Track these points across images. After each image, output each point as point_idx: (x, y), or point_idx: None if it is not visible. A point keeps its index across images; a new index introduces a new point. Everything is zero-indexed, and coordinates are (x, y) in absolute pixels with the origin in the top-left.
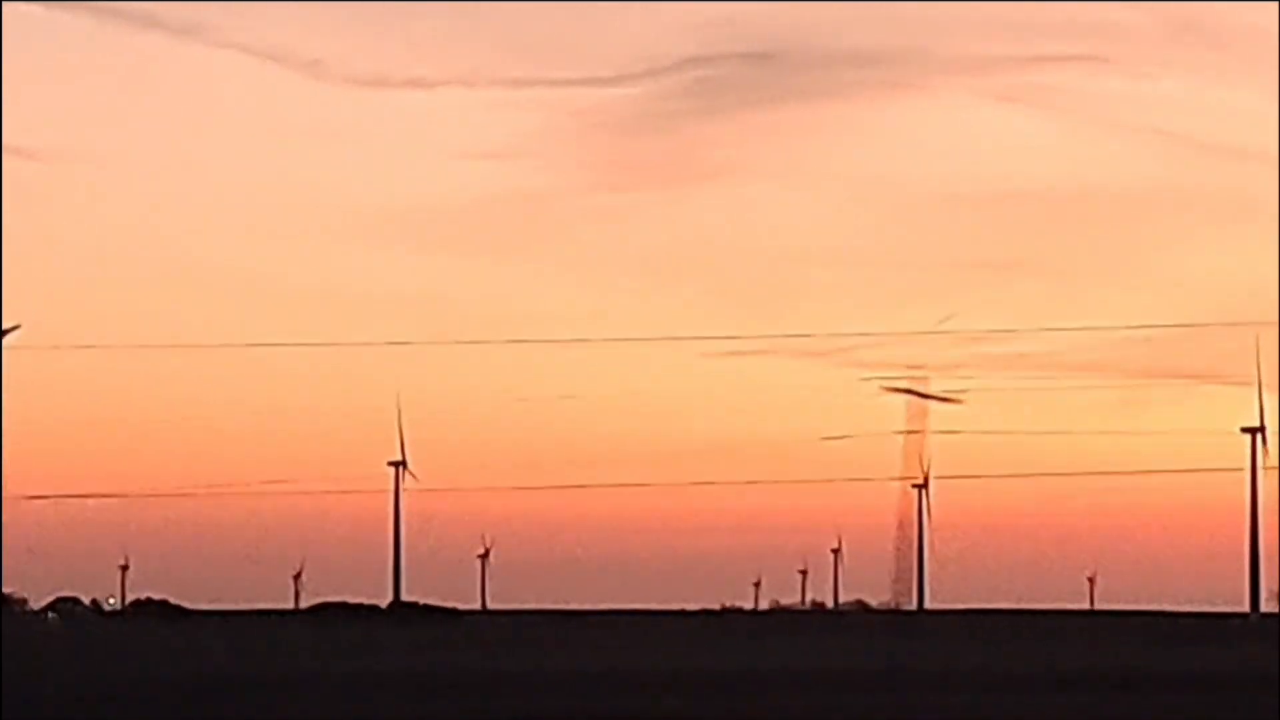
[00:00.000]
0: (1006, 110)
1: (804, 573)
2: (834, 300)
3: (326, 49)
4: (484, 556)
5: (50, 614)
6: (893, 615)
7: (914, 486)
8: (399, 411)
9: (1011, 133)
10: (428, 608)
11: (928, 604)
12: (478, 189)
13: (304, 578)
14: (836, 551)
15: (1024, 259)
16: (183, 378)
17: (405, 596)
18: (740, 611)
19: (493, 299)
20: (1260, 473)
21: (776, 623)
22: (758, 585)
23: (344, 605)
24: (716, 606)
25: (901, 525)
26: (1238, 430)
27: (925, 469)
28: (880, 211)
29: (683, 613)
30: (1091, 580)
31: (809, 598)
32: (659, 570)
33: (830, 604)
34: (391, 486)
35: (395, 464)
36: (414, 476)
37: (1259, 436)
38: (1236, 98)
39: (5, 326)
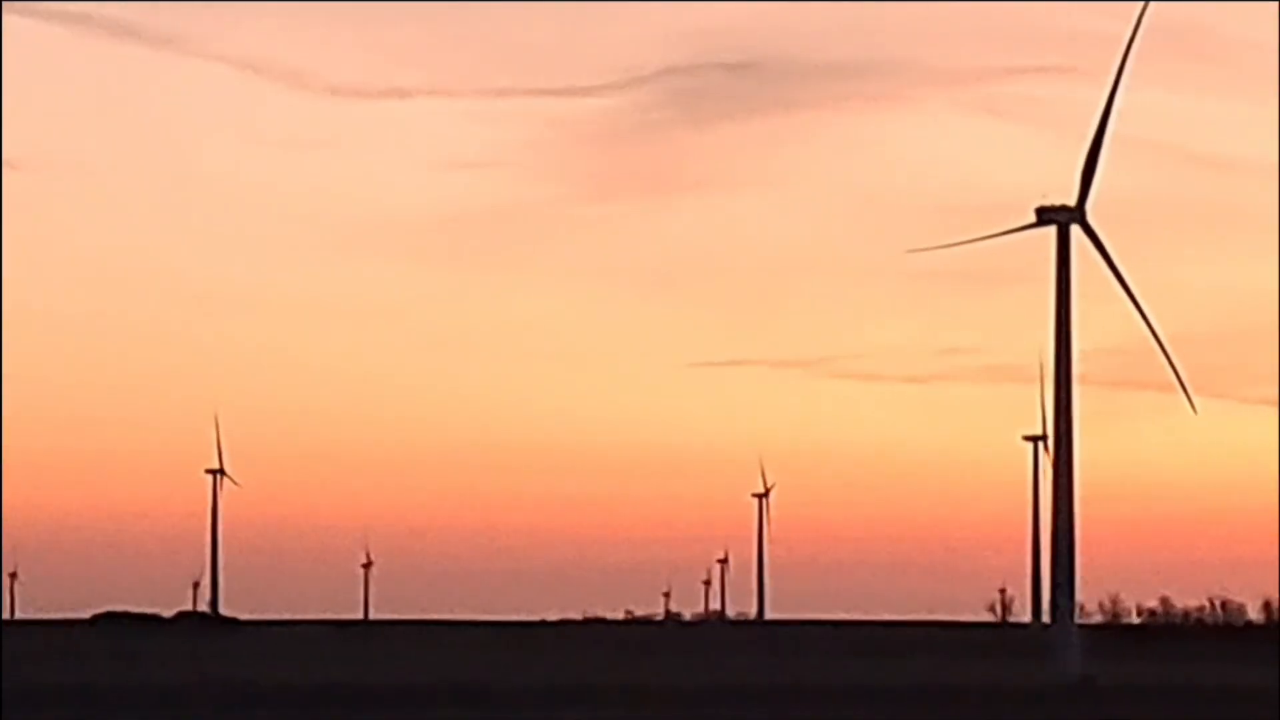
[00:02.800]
0: (989, 121)
1: (707, 583)
2: (816, 310)
3: (307, 59)
4: (367, 566)
5: None
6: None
7: (754, 496)
8: (217, 421)
9: (993, 143)
10: (216, 618)
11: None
12: (458, 199)
13: (202, 586)
14: (723, 562)
15: (1007, 270)
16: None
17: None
18: (603, 621)
19: (472, 309)
20: (1042, 482)
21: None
22: (667, 595)
23: (127, 615)
24: (579, 616)
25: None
26: (1227, 443)
27: (766, 480)
28: (860, 221)
29: (543, 623)
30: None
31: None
32: (587, 579)
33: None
34: (209, 495)
35: (213, 472)
36: (234, 483)
37: (1040, 445)
38: (1223, 108)
39: None
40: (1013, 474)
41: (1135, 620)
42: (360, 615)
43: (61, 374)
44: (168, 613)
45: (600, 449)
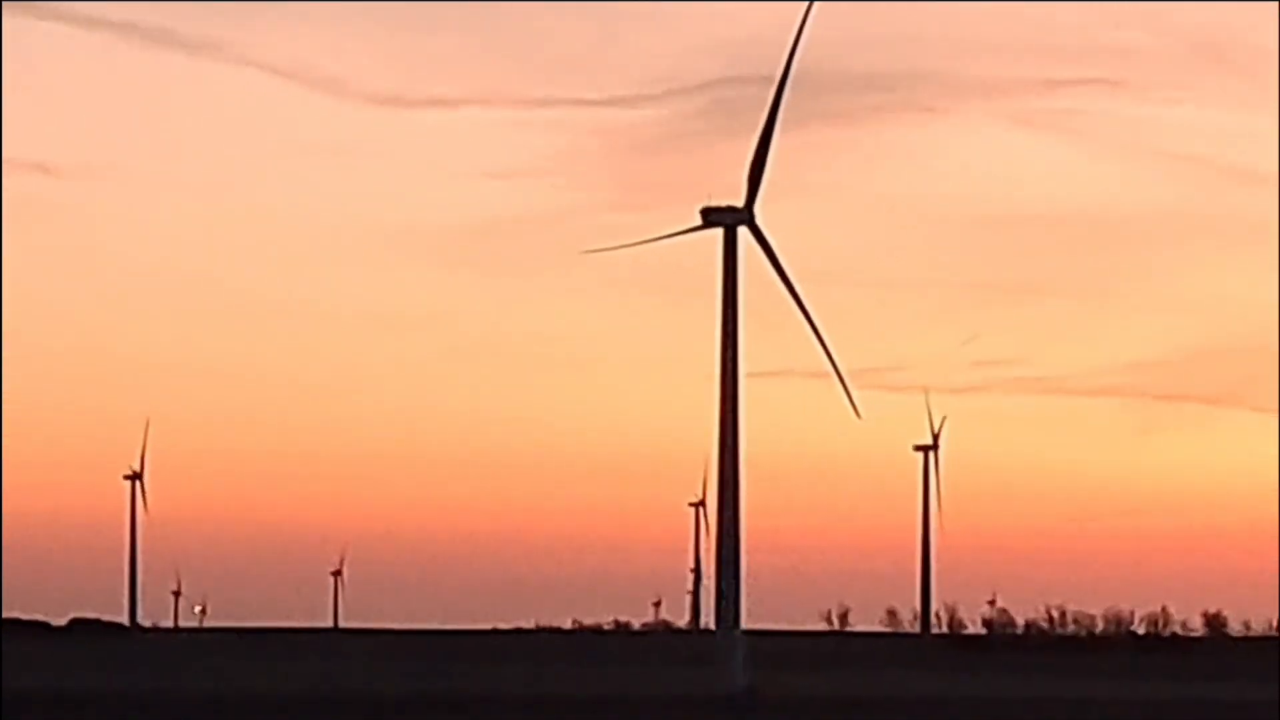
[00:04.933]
0: (1025, 133)
1: (691, 593)
2: (853, 322)
3: (346, 67)
4: (337, 573)
5: None
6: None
7: (691, 505)
8: (146, 425)
9: (1030, 156)
10: (110, 625)
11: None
12: (498, 208)
13: (183, 593)
14: (694, 570)
15: (1041, 282)
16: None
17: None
18: (555, 630)
19: (512, 317)
20: (933, 490)
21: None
22: (657, 605)
23: (16, 621)
24: (531, 625)
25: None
26: (1255, 456)
27: (704, 488)
28: (900, 234)
29: (495, 631)
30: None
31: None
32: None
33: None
34: (126, 501)
35: (131, 477)
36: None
37: (931, 454)
38: (1253, 122)
39: None
40: (1052, 483)
41: (975, 630)
42: (330, 623)
43: (67, 376)
44: (58, 620)
45: (622, 457)
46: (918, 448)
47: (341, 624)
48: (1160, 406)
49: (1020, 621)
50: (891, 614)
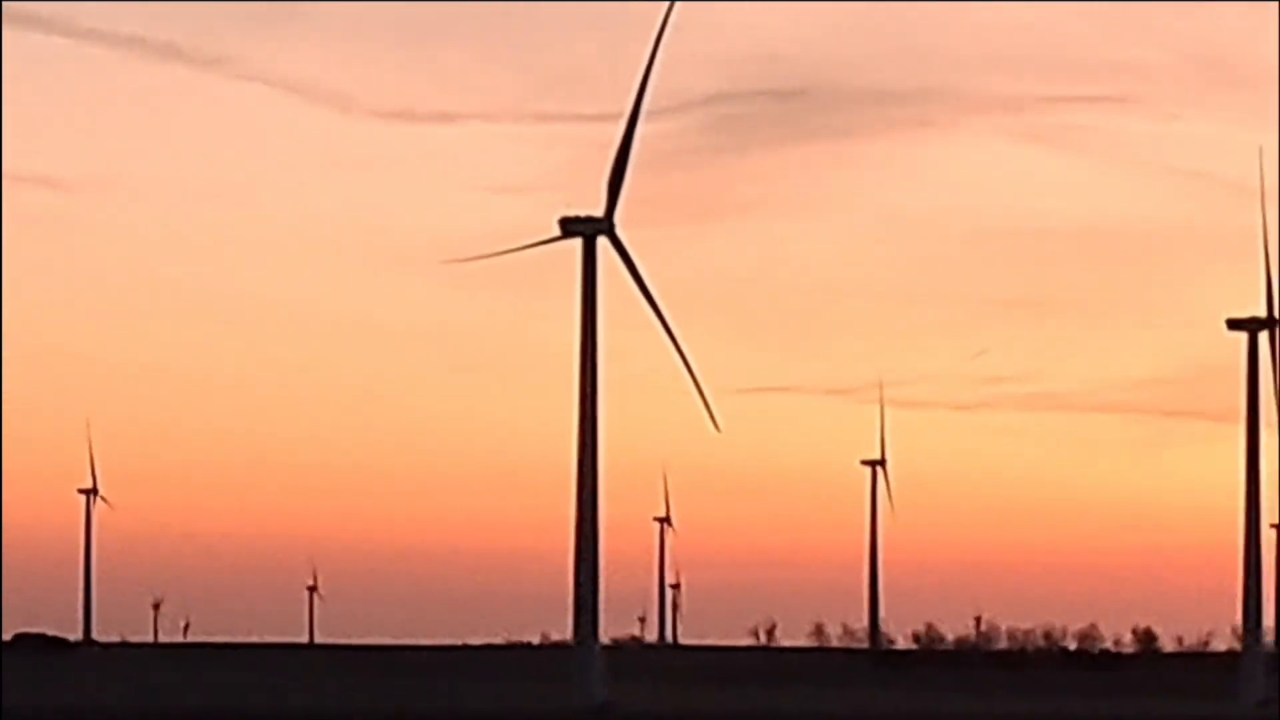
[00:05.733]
0: (1032, 149)
1: (675, 607)
2: (860, 337)
3: (353, 82)
4: (313, 589)
5: None
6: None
7: (656, 521)
8: (89, 437)
9: (1037, 171)
10: (55, 640)
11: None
12: (503, 223)
13: (163, 609)
14: (676, 587)
15: (1049, 297)
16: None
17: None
18: (526, 646)
19: (518, 332)
20: (881, 505)
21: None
22: (643, 620)
23: None
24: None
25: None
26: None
27: (667, 504)
28: (907, 248)
29: (465, 647)
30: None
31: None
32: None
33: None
34: (81, 515)
35: (85, 492)
36: (106, 503)
37: (879, 469)
38: (1261, 138)
39: None
40: (1060, 499)
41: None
42: (305, 639)
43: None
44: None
45: (630, 474)
46: (865, 462)
47: (317, 640)
48: (1168, 423)
49: (950, 637)
50: (819, 629)
